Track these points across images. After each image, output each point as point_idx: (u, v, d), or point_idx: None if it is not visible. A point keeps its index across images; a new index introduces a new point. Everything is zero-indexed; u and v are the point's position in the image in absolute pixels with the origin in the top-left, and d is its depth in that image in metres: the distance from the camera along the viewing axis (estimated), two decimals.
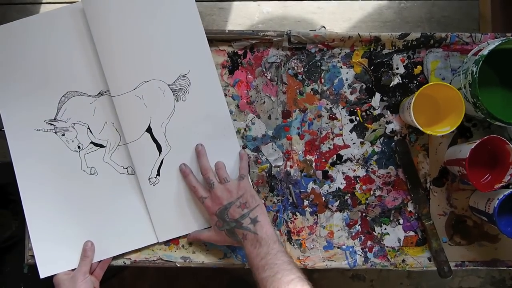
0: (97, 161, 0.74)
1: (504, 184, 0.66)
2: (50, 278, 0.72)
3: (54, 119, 0.74)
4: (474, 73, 0.64)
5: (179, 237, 0.75)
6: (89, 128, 0.74)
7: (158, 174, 0.73)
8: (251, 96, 0.76)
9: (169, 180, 0.74)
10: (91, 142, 0.74)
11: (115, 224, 0.74)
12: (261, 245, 0.64)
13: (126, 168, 0.74)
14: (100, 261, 0.74)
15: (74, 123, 0.74)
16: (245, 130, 0.76)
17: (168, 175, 0.74)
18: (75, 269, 0.72)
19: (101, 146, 0.74)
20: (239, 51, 0.76)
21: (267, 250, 0.63)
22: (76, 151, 0.74)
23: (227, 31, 0.76)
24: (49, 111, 0.74)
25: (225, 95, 0.75)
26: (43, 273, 0.72)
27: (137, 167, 0.73)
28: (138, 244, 0.74)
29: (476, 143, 0.65)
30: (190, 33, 0.73)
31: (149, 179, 0.73)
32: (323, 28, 0.78)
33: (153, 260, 0.75)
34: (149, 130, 0.73)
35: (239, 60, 0.76)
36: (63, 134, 0.74)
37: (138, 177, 0.73)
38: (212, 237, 0.71)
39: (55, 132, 0.74)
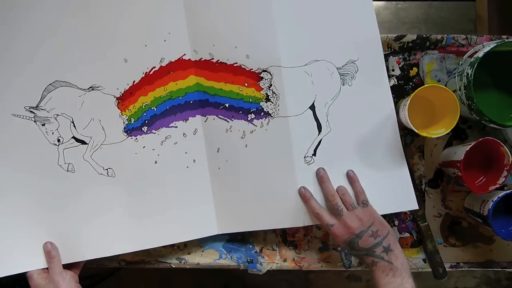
0: (76, 158, 0.69)
1: (498, 186, 0.67)
2: None
3: (36, 107, 0.68)
4: (469, 75, 0.64)
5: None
6: (73, 122, 0.69)
7: (314, 154, 0.72)
8: None
9: (324, 162, 0.72)
10: (73, 137, 0.70)
11: (89, 226, 0.70)
12: (394, 275, 0.63)
13: (107, 169, 0.70)
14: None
15: (57, 115, 0.69)
16: None
17: (324, 157, 0.72)
18: (46, 268, 0.67)
19: (83, 142, 0.70)
20: None
21: (400, 282, 0.63)
22: (55, 145, 0.69)
23: None
24: (32, 98, 0.68)
25: None
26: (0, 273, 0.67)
27: (295, 143, 0.72)
28: (111, 251, 0.70)
29: (471, 145, 0.65)
30: (363, 21, 0.73)
31: (304, 157, 0.72)
32: None
33: (148, 261, 0.75)
34: (312, 107, 0.72)
35: None
36: (43, 124, 0.69)
37: (293, 153, 0.71)
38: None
39: (34, 121, 0.69)
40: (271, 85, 0.71)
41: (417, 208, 0.73)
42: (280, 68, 0.71)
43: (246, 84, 0.72)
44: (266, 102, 0.72)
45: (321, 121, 0.72)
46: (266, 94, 0.72)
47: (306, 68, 0.72)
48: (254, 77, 0.71)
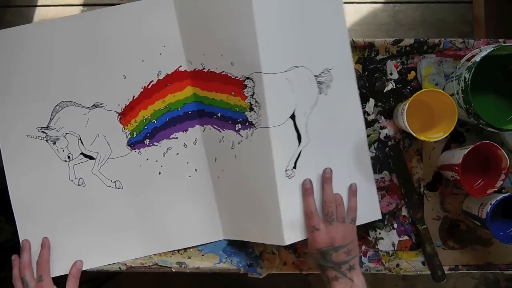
0: (85, 173, 0.74)
1: (496, 189, 0.67)
2: None
3: (46, 127, 0.73)
4: (466, 80, 0.64)
5: None
6: (80, 139, 0.74)
7: (295, 167, 0.68)
8: None
9: (304, 175, 0.68)
10: (81, 153, 0.74)
11: (102, 235, 0.74)
12: None
13: (114, 182, 0.74)
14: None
15: (66, 133, 0.74)
16: None
17: (304, 170, 0.68)
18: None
19: (91, 157, 0.74)
20: None
21: None
22: (66, 161, 0.74)
23: None
24: (42, 119, 0.73)
25: None
26: None
27: (275, 155, 0.66)
28: (120, 258, 0.75)
29: (469, 149, 0.66)
30: (335, 31, 0.71)
31: (286, 170, 0.67)
32: None
33: (149, 266, 0.75)
34: (293, 117, 0.68)
35: None
36: (54, 143, 0.74)
37: (275, 166, 0.66)
38: (307, 252, 0.69)
39: (46, 140, 0.74)
40: (253, 93, 0.68)
41: (380, 217, 0.73)
42: (261, 74, 0.67)
43: (233, 93, 0.69)
44: (250, 111, 0.69)
45: (301, 131, 0.69)
46: (250, 103, 0.69)
47: (287, 75, 0.68)
48: (239, 85, 0.69)
